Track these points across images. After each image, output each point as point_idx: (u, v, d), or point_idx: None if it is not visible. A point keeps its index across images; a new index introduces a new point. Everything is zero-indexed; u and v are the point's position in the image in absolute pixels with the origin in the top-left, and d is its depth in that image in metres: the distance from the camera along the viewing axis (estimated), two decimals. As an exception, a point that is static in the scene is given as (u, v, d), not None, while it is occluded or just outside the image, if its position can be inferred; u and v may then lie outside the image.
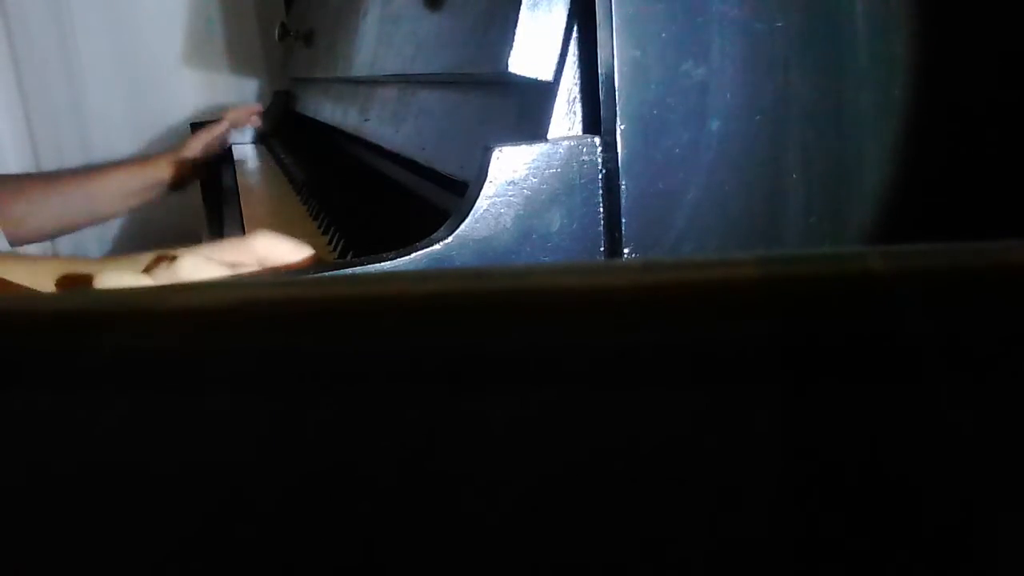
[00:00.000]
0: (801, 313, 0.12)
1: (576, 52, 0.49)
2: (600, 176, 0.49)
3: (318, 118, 1.24)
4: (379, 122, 0.86)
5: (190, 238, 1.54)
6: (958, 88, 0.52)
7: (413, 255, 0.46)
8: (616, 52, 0.45)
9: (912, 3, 0.49)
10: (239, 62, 1.79)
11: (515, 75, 0.49)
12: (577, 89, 0.49)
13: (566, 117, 0.49)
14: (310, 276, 0.28)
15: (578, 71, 0.49)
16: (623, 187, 0.47)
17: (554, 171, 0.48)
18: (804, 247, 0.52)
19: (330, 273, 0.45)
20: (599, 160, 0.48)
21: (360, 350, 0.13)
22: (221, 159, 1.35)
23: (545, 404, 0.11)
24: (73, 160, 1.65)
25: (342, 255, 0.64)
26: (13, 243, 1.07)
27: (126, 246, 1.65)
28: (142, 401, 0.12)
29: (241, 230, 0.84)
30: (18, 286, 0.44)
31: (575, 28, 0.49)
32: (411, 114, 0.75)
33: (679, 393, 0.11)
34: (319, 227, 0.76)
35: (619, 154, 0.47)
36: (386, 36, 0.80)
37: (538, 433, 0.11)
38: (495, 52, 0.51)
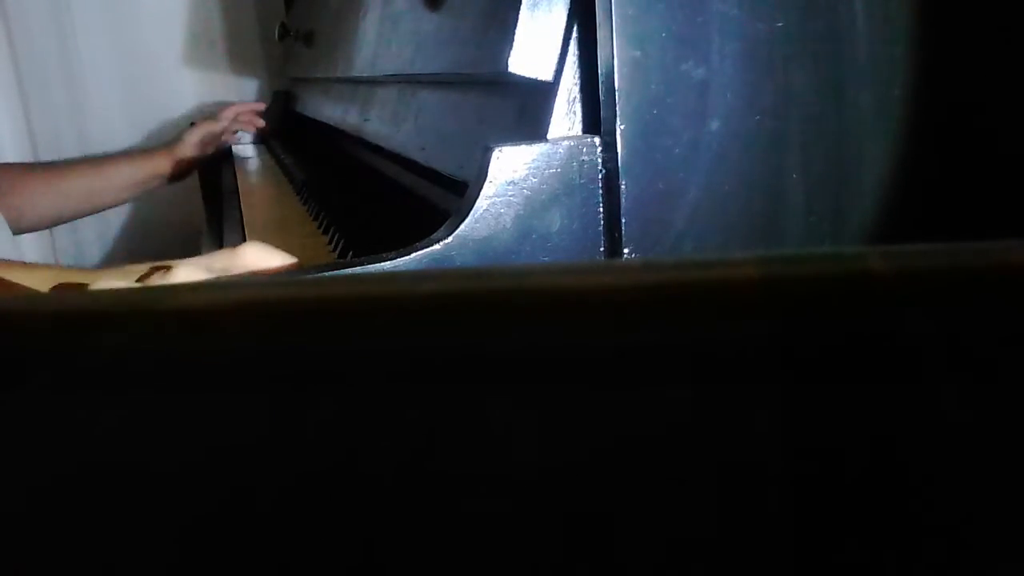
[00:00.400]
0: (801, 313, 0.12)
1: (576, 52, 0.49)
2: (600, 176, 0.49)
3: (318, 118, 1.24)
4: (379, 122, 0.86)
5: (190, 237, 1.54)
6: (958, 88, 0.52)
7: (413, 255, 0.46)
8: (616, 52, 0.45)
9: (912, 3, 0.49)
10: (239, 62, 1.79)
11: (515, 75, 0.49)
12: (577, 89, 0.49)
13: (566, 117, 0.49)
14: (310, 276, 0.28)
15: (578, 71, 0.49)
16: (623, 187, 0.47)
17: (554, 171, 0.48)
18: (804, 247, 0.52)
19: (330, 273, 0.45)
20: (599, 160, 0.48)
21: (360, 350, 0.13)
22: (221, 159, 1.35)
23: (545, 404, 0.11)
24: (73, 160, 1.65)
25: (342, 255, 0.64)
26: (15, 231, 1.07)
27: (126, 245, 1.65)
28: (142, 401, 0.12)
29: (241, 230, 0.84)
30: (18, 286, 0.44)
31: (575, 28, 0.49)
32: (411, 114, 0.75)
33: (679, 393, 0.11)
34: (319, 227, 0.76)
35: (619, 154, 0.47)
36: (386, 36, 0.80)
37: (538, 433, 0.11)
38: (495, 52, 0.51)
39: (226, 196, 1.14)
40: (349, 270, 0.45)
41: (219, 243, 0.93)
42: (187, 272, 0.41)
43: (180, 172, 1.27)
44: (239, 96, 1.80)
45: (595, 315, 0.13)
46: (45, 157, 1.64)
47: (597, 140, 0.48)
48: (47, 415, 0.12)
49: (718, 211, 0.49)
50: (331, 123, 1.12)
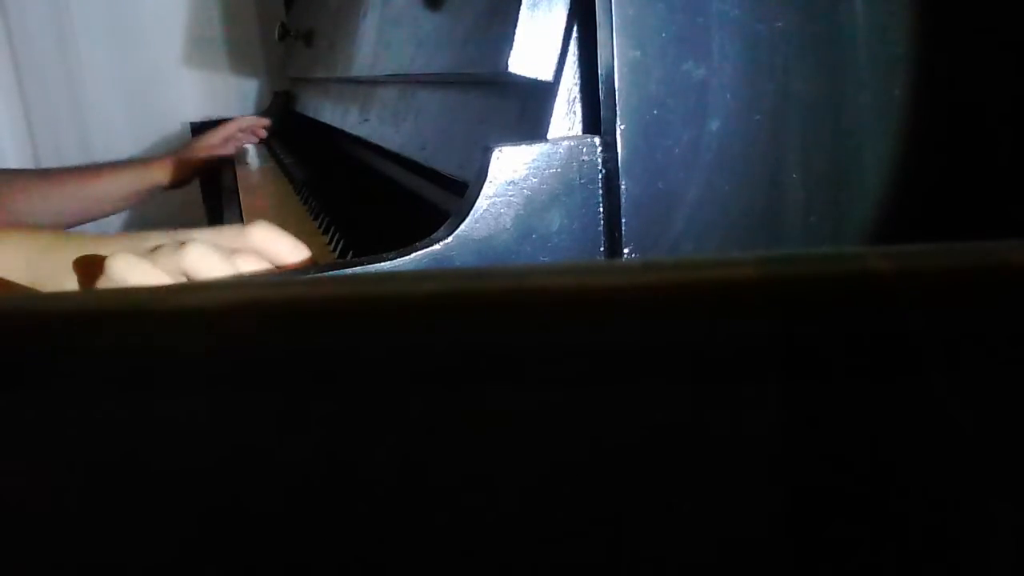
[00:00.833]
0: (801, 313, 0.12)
1: (576, 52, 0.49)
2: (600, 176, 0.49)
3: (318, 118, 1.24)
4: (379, 122, 0.86)
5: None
6: (958, 88, 0.52)
7: (413, 255, 0.46)
8: (616, 52, 0.45)
9: (912, 3, 0.49)
10: (239, 62, 1.79)
11: (515, 75, 0.49)
12: (577, 89, 0.49)
13: (566, 117, 0.49)
14: (310, 276, 0.28)
15: (578, 71, 0.49)
16: (623, 187, 0.47)
17: (554, 171, 0.48)
18: (804, 247, 0.52)
19: (330, 273, 0.45)
20: (599, 160, 0.48)
21: (360, 350, 0.13)
22: (222, 160, 1.35)
23: (544, 403, 0.11)
24: (73, 159, 1.65)
25: (342, 255, 0.64)
26: None
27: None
28: (142, 401, 0.12)
29: (241, 230, 0.84)
30: (19, 286, 0.44)
31: (575, 28, 0.49)
32: (411, 114, 0.75)
33: (679, 392, 0.11)
34: (319, 227, 0.76)
35: (619, 154, 0.47)
36: (386, 36, 0.80)
37: (538, 432, 0.11)
38: (495, 52, 0.51)
39: (226, 196, 1.14)
40: (349, 270, 0.45)
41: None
42: (199, 250, 0.42)
43: (180, 181, 1.27)
44: (239, 96, 1.80)
45: (595, 315, 0.13)
46: (45, 157, 1.64)
47: (597, 140, 0.48)
48: (47, 415, 0.12)
49: (718, 211, 0.49)
50: (331, 123, 1.12)
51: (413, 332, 0.13)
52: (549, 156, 0.47)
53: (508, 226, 0.47)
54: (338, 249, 0.66)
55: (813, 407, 0.11)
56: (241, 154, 1.40)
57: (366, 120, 0.92)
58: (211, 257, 0.42)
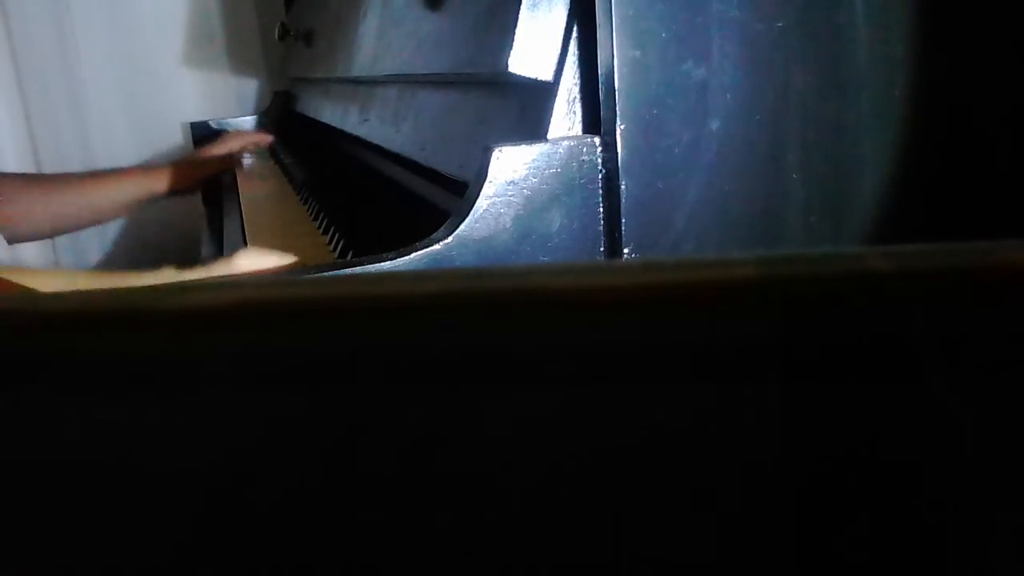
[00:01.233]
0: (801, 313, 0.12)
1: (576, 52, 0.49)
2: (600, 176, 0.49)
3: (318, 118, 1.24)
4: (379, 122, 0.86)
5: (190, 238, 1.53)
6: (958, 88, 0.52)
7: (413, 255, 0.46)
8: (616, 52, 0.45)
9: (912, 3, 0.49)
10: (239, 62, 1.79)
11: (515, 75, 0.49)
12: (577, 89, 0.49)
13: (566, 117, 0.49)
14: (310, 276, 0.28)
15: (578, 71, 0.49)
16: (623, 187, 0.47)
17: (554, 171, 0.48)
18: (804, 247, 0.52)
19: (330, 273, 0.45)
20: (599, 160, 0.48)
21: (360, 350, 0.13)
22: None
23: (545, 403, 0.11)
24: (73, 159, 1.65)
25: (342, 255, 0.64)
26: (10, 240, 1.07)
27: (126, 244, 1.65)
28: (141, 401, 0.12)
29: (241, 231, 0.84)
30: (18, 286, 0.44)
31: (575, 28, 0.49)
32: (411, 114, 0.75)
33: (679, 392, 0.11)
34: (319, 227, 0.76)
35: (619, 154, 0.47)
36: (386, 36, 0.80)
37: (538, 431, 0.11)
38: (495, 52, 0.51)
39: (226, 196, 1.14)
40: (349, 270, 0.45)
41: (219, 243, 0.93)
42: None
43: (180, 191, 1.27)
44: (239, 96, 1.80)
45: (595, 315, 0.13)
46: (45, 157, 1.64)
47: (597, 140, 0.48)
48: (47, 415, 0.12)
49: (718, 211, 0.49)
50: (331, 123, 1.12)
51: (413, 332, 0.13)
52: (549, 156, 0.47)
53: (508, 226, 0.47)
54: (338, 249, 0.66)
55: (813, 406, 0.11)
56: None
57: (366, 120, 0.92)
58: None
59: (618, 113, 0.46)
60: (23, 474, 0.11)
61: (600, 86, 0.47)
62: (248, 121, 1.68)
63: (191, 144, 1.67)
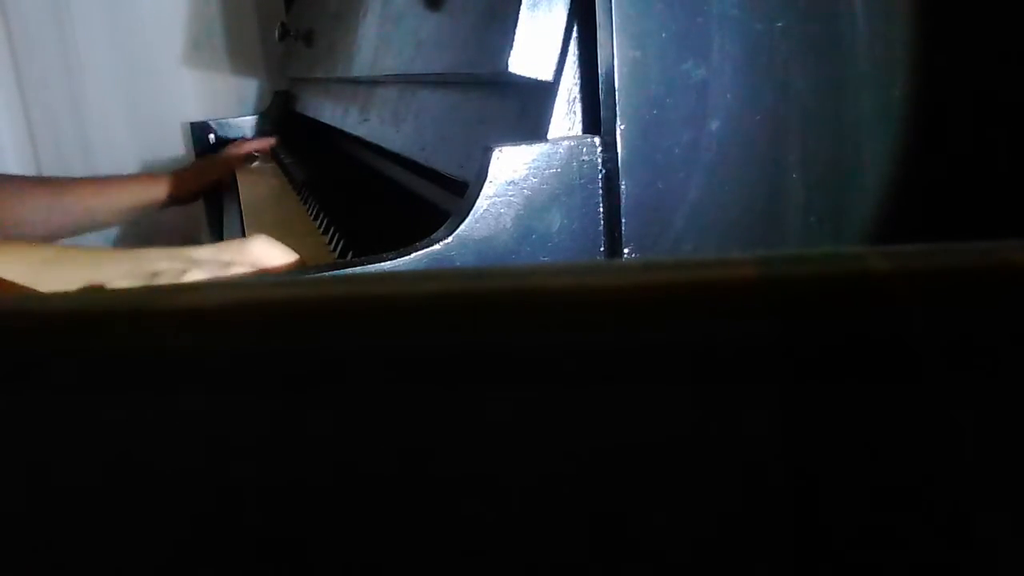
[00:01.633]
0: (801, 313, 0.12)
1: (576, 52, 0.49)
2: (600, 176, 0.49)
3: (318, 118, 1.24)
4: (379, 122, 0.86)
5: (190, 238, 1.53)
6: (958, 88, 0.52)
7: (413, 255, 0.46)
8: (616, 52, 0.45)
9: (912, 3, 0.49)
10: (239, 62, 1.79)
11: (515, 75, 0.49)
12: (577, 89, 0.49)
13: (566, 117, 0.49)
14: (310, 276, 0.28)
15: (578, 71, 0.49)
16: (623, 187, 0.47)
17: (554, 171, 0.48)
18: (804, 247, 0.52)
19: (330, 273, 0.45)
20: (599, 160, 0.48)
21: (360, 350, 0.13)
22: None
23: (545, 404, 0.11)
24: (73, 159, 1.65)
25: (342, 255, 0.64)
26: None
27: (126, 244, 1.65)
28: (142, 401, 0.12)
29: (241, 231, 0.84)
30: (19, 286, 0.44)
31: (575, 28, 0.49)
32: (411, 114, 0.75)
33: (679, 393, 0.11)
34: (319, 227, 0.76)
35: (619, 154, 0.47)
36: (386, 36, 0.80)
37: (538, 432, 0.11)
38: (495, 52, 0.51)
39: (226, 196, 1.14)
40: (349, 270, 0.45)
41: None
42: (200, 275, 0.42)
43: (183, 199, 1.27)
44: (239, 96, 1.80)
45: (595, 315, 0.13)
46: (45, 157, 1.64)
47: (597, 140, 0.48)
48: (48, 415, 0.12)
49: (718, 211, 0.49)
50: (331, 123, 1.12)
51: (413, 332, 0.13)
52: (549, 156, 0.47)
53: (508, 226, 0.47)
54: (338, 249, 0.66)
55: (813, 406, 0.11)
56: None
57: (366, 120, 0.92)
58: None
59: (618, 113, 0.46)
60: (23, 474, 0.11)
61: (600, 86, 0.47)
62: (248, 121, 1.68)
63: (191, 144, 1.67)
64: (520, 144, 0.47)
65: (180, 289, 0.16)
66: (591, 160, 0.48)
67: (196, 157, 1.60)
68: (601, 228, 0.49)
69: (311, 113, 1.33)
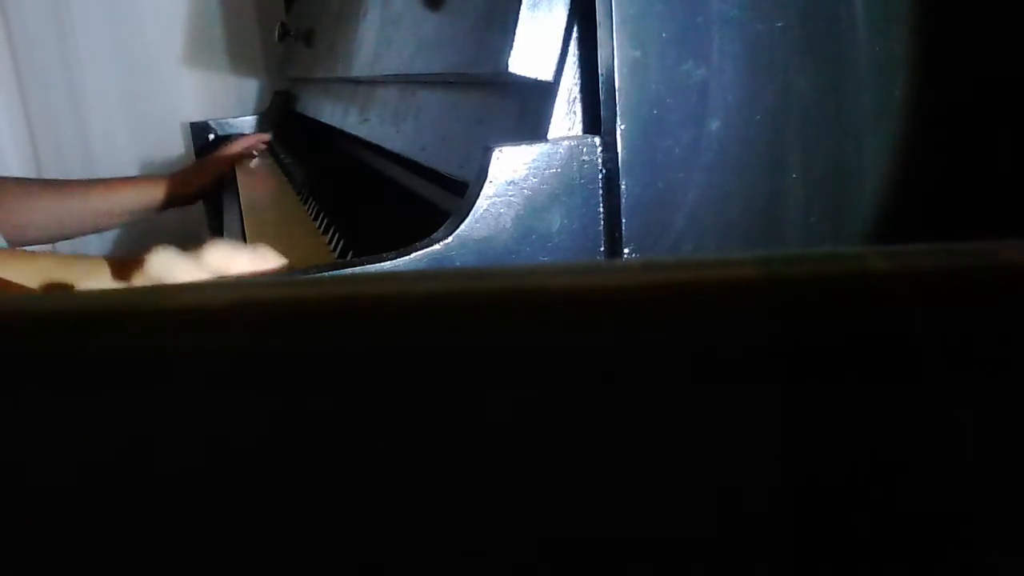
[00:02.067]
0: (801, 313, 0.12)
1: (576, 52, 0.49)
2: (600, 176, 0.49)
3: (318, 118, 1.24)
4: (379, 122, 0.86)
5: (190, 238, 1.53)
6: (958, 89, 0.52)
7: (413, 255, 0.46)
8: (616, 52, 0.45)
9: (912, 3, 0.49)
10: (239, 62, 1.79)
11: (515, 75, 0.49)
12: (577, 89, 0.49)
13: (566, 117, 0.49)
14: (310, 276, 0.28)
15: (578, 71, 0.49)
16: (623, 187, 0.47)
17: (554, 171, 0.48)
18: (804, 247, 0.52)
19: (330, 273, 0.45)
20: (599, 160, 0.48)
21: (360, 350, 0.13)
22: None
23: (545, 404, 0.11)
24: (73, 159, 1.65)
25: (342, 255, 0.64)
26: (13, 244, 1.08)
27: (126, 244, 1.65)
28: (142, 401, 0.12)
29: (241, 230, 0.84)
30: (19, 286, 0.44)
31: (575, 28, 0.49)
32: (411, 114, 0.75)
33: (679, 393, 0.11)
34: (319, 227, 0.76)
35: (619, 154, 0.47)
36: (386, 36, 0.80)
37: (538, 432, 0.11)
38: (495, 52, 0.51)
39: (226, 196, 1.14)
40: (349, 270, 0.45)
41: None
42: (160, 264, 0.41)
43: (185, 201, 1.27)
44: (239, 96, 1.80)
45: (595, 315, 0.13)
46: (45, 157, 1.64)
47: (597, 140, 0.48)
48: (47, 415, 0.12)
49: (718, 211, 0.49)
50: (331, 123, 1.12)
51: (413, 332, 0.13)
52: (549, 156, 0.47)
53: (508, 226, 0.47)
54: (338, 249, 0.66)
55: (812, 406, 0.11)
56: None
57: (366, 120, 0.92)
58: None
59: (618, 113, 0.46)
60: (23, 474, 0.11)
61: (600, 86, 0.47)
62: (248, 121, 1.68)
63: (191, 144, 1.67)
64: (520, 144, 0.47)
65: (180, 289, 0.16)
66: (591, 160, 0.48)
67: (196, 157, 1.60)
68: (601, 228, 0.49)
69: (311, 113, 1.33)
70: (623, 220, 0.48)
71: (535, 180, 0.47)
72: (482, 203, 0.46)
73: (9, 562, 0.10)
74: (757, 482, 0.10)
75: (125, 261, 0.44)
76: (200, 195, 1.29)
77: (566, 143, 0.48)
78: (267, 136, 1.48)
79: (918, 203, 0.53)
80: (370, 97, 0.93)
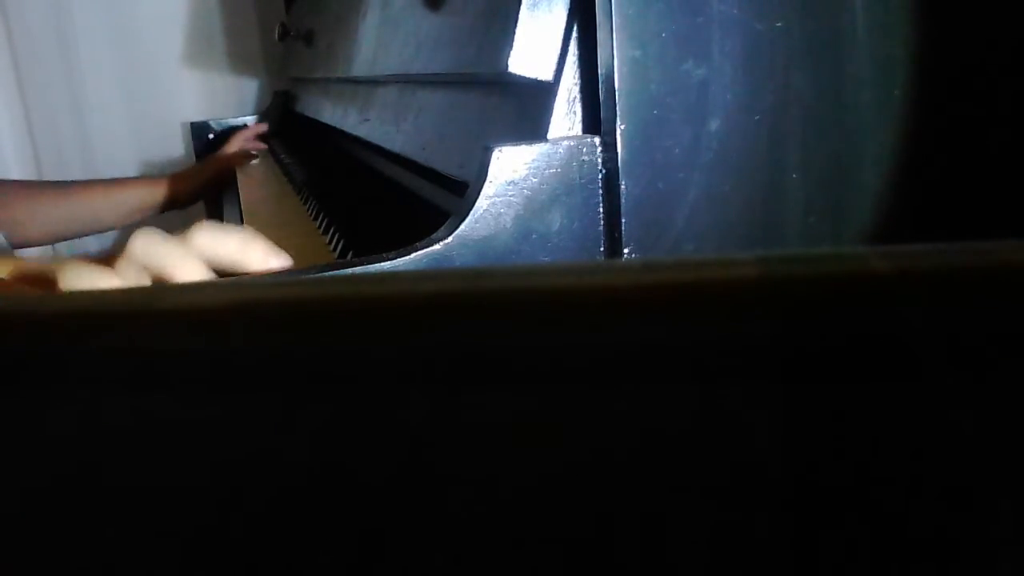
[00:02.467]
0: (801, 313, 0.12)
1: (576, 52, 0.49)
2: (600, 176, 0.49)
3: (318, 118, 1.24)
4: (379, 122, 0.86)
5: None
6: (958, 88, 0.52)
7: (413, 255, 0.46)
8: (616, 52, 0.45)
9: (912, 3, 0.49)
10: (239, 62, 1.79)
11: (515, 75, 0.49)
12: (577, 89, 0.49)
13: (566, 117, 0.49)
14: (310, 276, 0.28)
15: (578, 71, 0.49)
16: (623, 187, 0.47)
17: (554, 171, 0.48)
18: (804, 247, 0.52)
19: (330, 273, 0.45)
20: (599, 160, 0.48)
21: (359, 350, 0.13)
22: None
23: (545, 404, 0.11)
24: (73, 159, 1.65)
25: (342, 255, 0.64)
26: (15, 246, 1.08)
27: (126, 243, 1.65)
28: (142, 402, 0.12)
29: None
30: (19, 286, 0.44)
31: (575, 28, 0.49)
32: (411, 114, 0.75)
33: (679, 393, 0.11)
34: (319, 227, 0.76)
35: (619, 154, 0.47)
36: (386, 36, 0.80)
37: (538, 433, 0.11)
38: (495, 52, 0.51)
39: (226, 196, 1.14)
40: (349, 270, 0.45)
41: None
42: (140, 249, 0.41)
43: (186, 201, 1.27)
44: (239, 96, 1.80)
45: (595, 315, 0.13)
46: (45, 157, 1.64)
47: (597, 140, 0.48)
48: (47, 415, 0.12)
49: (718, 211, 0.49)
50: (331, 123, 1.12)
51: (413, 332, 0.13)
52: (549, 156, 0.47)
53: (508, 226, 0.47)
54: (338, 249, 0.66)
55: (812, 406, 0.11)
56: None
57: (366, 120, 0.92)
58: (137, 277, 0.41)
59: (618, 113, 0.46)
60: (23, 475, 0.11)
61: (600, 86, 0.47)
62: (248, 121, 1.68)
63: (191, 144, 1.67)
64: (520, 144, 0.47)
65: (180, 289, 0.16)
66: (591, 160, 0.48)
67: (196, 157, 1.60)
68: (601, 228, 0.49)
69: (311, 113, 1.33)
70: (623, 220, 0.48)
71: (535, 180, 0.47)
72: (482, 203, 0.46)
73: (8, 562, 0.10)
74: (757, 482, 0.10)
75: (107, 258, 0.44)
76: (200, 195, 1.29)
77: (566, 143, 0.48)
78: (263, 127, 1.48)
79: (918, 203, 0.53)
80: (370, 97, 0.93)
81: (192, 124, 1.66)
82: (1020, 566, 0.09)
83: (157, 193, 1.23)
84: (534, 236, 0.48)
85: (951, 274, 0.13)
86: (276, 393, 0.12)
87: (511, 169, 0.47)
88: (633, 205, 0.48)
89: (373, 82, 0.91)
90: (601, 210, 0.49)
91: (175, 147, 1.73)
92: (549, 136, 0.49)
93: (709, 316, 0.13)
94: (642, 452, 0.10)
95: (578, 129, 0.50)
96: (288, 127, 1.55)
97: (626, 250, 0.48)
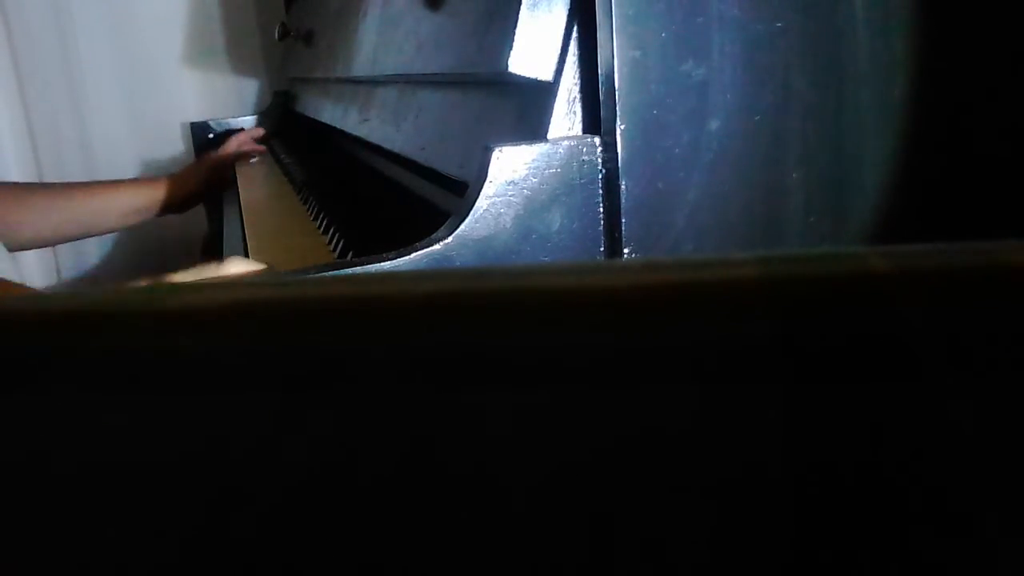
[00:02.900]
0: (801, 313, 0.12)
1: (576, 52, 0.49)
2: (600, 176, 0.49)
3: (318, 118, 1.24)
4: (379, 122, 0.86)
5: (191, 238, 1.53)
6: (958, 88, 0.52)
7: (413, 255, 0.46)
8: (616, 52, 0.45)
9: (912, 3, 0.49)
10: (239, 62, 1.79)
11: (515, 75, 0.49)
12: (577, 89, 0.49)
13: (566, 117, 0.49)
14: (310, 276, 0.28)
15: (578, 71, 0.49)
16: (623, 187, 0.47)
17: (554, 171, 0.48)
18: (804, 247, 0.52)
19: (330, 273, 0.45)
20: (599, 160, 0.48)
21: (359, 350, 0.13)
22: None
23: (545, 404, 0.11)
24: (73, 160, 1.65)
25: (342, 255, 0.64)
26: (11, 248, 1.08)
27: (126, 244, 1.65)
28: (142, 401, 0.12)
29: (241, 231, 0.84)
30: (19, 286, 0.44)
31: (575, 28, 0.49)
32: (411, 114, 0.75)
33: (679, 393, 0.11)
34: (319, 227, 0.76)
35: (619, 154, 0.47)
36: (386, 36, 0.80)
37: (538, 433, 0.11)
38: (495, 52, 0.51)
39: (226, 197, 1.14)
40: (349, 270, 0.45)
41: (219, 244, 0.93)
42: None
43: (185, 203, 1.27)
44: (239, 96, 1.80)
45: (595, 315, 0.13)
46: (45, 157, 1.64)
47: (597, 140, 0.48)
48: (47, 415, 0.12)
49: (718, 211, 0.49)
50: (331, 123, 1.12)
51: (413, 332, 0.13)
52: (549, 156, 0.47)
53: (508, 226, 0.47)
54: (338, 249, 0.66)
55: (813, 406, 0.11)
56: None
57: (366, 120, 0.92)
58: None
59: (618, 113, 0.46)
60: (23, 475, 0.11)
61: (600, 86, 0.47)
62: (248, 121, 1.68)
63: (191, 144, 1.67)
64: (520, 144, 0.47)
65: (180, 289, 0.16)
66: (591, 160, 0.48)
67: (196, 157, 1.60)
68: (601, 228, 0.49)
69: (311, 113, 1.33)
70: (623, 220, 0.48)
71: (535, 180, 0.47)
72: (482, 203, 0.46)
73: (7, 563, 0.10)
74: (757, 482, 0.10)
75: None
76: (199, 199, 1.29)
77: (566, 143, 0.48)
78: (260, 131, 1.47)
79: (918, 203, 0.53)
80: (370, 97, 0.93)
81: (192, 124, 1.66)
82: (1020, 565, 0.09)
83: (154, 194, 1.23)
84: (534, 236, 0.48)
85: (951, 274, 0.13)
86: (276, 393, 0.12)
87: (511, 169, 0.47)
88: (633, 205, 0.48)
89: (373, 82, 0.91)
90: (601, 210, 0.49)
91: (175, 147, 1.73)
92: (549, 136, 0.49)
93: (709, 316, 0.13)
94: (642, 452, 0.10)
95: (578, 129, 0.50)
96: (288, 127, 1.55)
97: (626, 250, 0.48)
